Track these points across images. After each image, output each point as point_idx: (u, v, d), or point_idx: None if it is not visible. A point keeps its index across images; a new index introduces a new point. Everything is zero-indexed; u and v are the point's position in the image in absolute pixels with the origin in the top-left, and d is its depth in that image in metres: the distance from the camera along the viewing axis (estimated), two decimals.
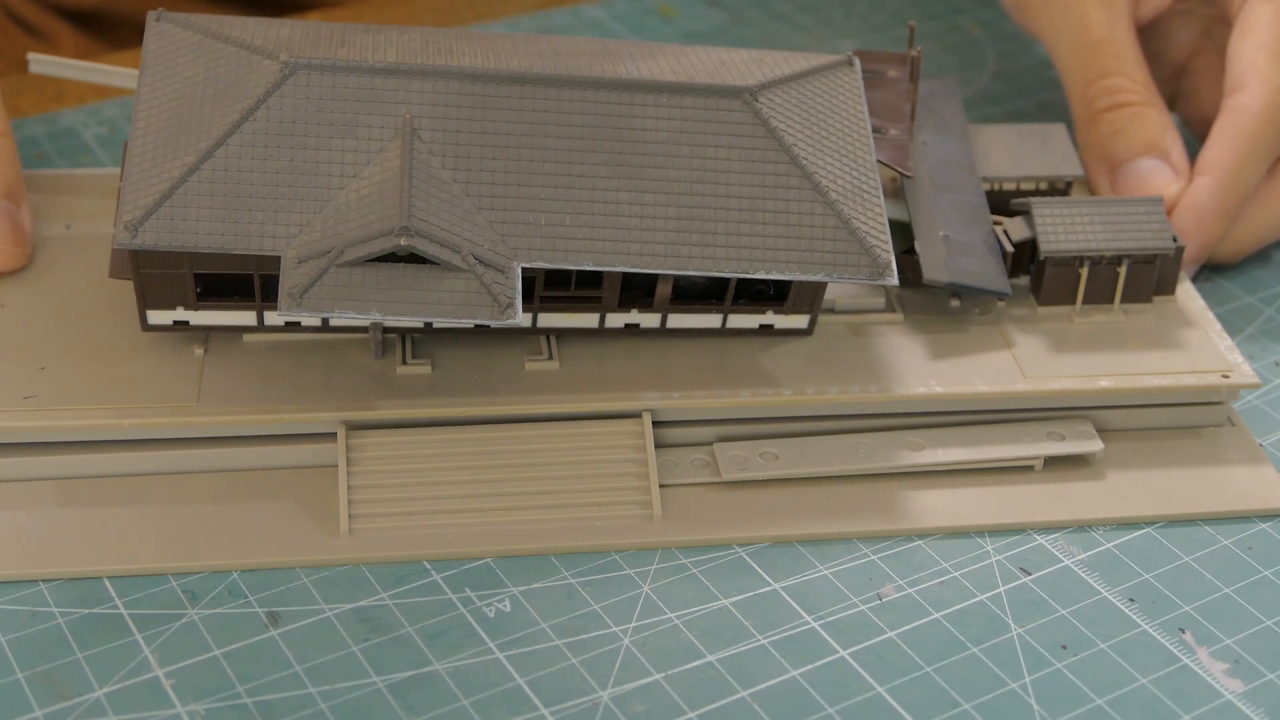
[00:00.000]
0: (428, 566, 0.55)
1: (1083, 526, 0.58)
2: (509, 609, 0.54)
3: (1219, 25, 0.72)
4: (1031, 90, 0.82)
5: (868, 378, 0.60)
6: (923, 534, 0.57)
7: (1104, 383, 0.60)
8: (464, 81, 0.57)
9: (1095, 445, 0.59)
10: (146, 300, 0.58)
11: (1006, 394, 0.60)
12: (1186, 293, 0.64)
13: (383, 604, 0.54)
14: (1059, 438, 0.60)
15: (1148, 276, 0.63)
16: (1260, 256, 0.71)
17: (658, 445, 0.59)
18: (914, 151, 0.65)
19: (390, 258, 0.54)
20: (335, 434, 0.57)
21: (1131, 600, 0.55)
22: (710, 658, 0.53)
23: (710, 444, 0.59)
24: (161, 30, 0.59)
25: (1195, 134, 0.74)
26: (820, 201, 0.57)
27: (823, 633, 0.54)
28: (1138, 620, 0.55)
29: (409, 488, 0.57)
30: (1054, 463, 0.60)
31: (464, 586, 0.55)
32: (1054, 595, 0.55)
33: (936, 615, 0.54)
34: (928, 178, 0.65)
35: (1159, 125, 0.67)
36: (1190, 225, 0.65)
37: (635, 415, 0.58)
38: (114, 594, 0.54)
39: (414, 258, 0.53)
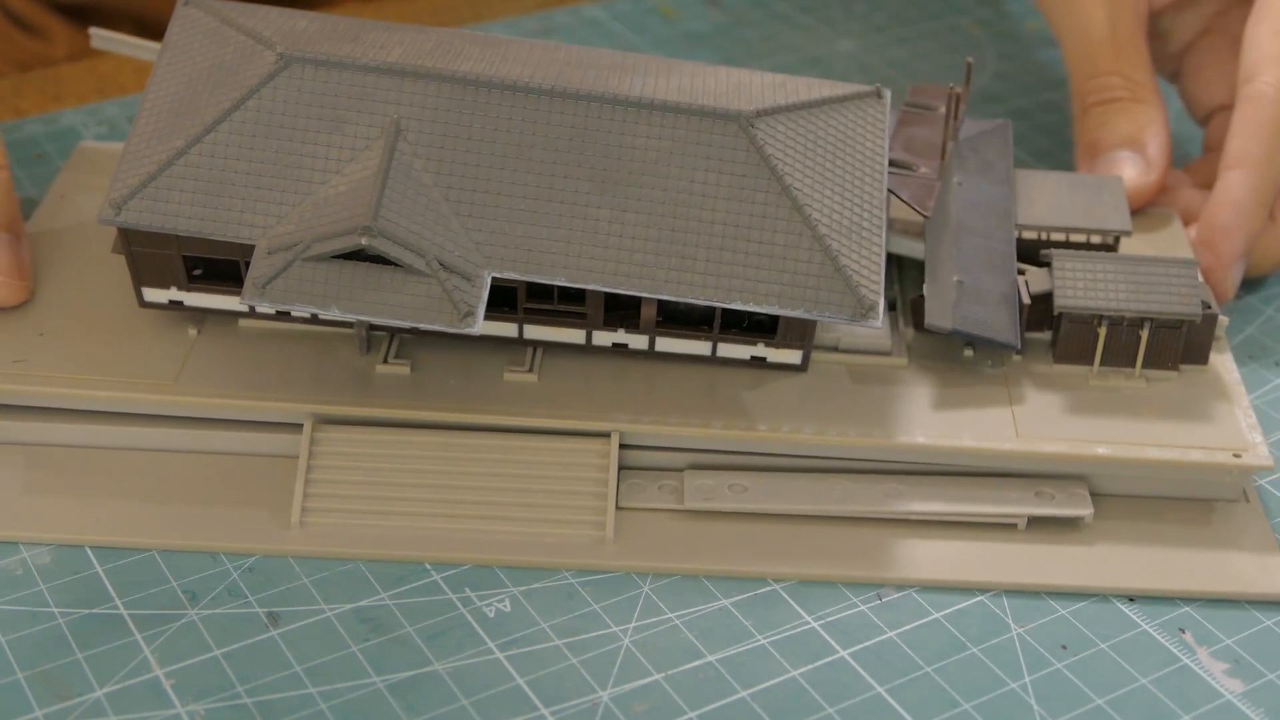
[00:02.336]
0: (428, 566, 0.55)
1: (1061, 594, 0.55)
2: (509, 609, 0.54)
3: (1235, 6, 0.72)
4: (1032, 90, 0.82)
5: (851, 421, 0.57)
6: (892, 584, 0.55)
7: (1101, 450, 0.57)
8: (455, 86, 0.56)
9: (1084, 509, 0.56)
10: (141, 278, 0.59)
11: (994, 452, 0.57)
12: (1222, 364, 0.61)
13: (383, 604, 0.54)
14: (1048, 498, 0.57)
15: (1173, 342, 0.59)
16: None
17: (634, 468, 0.58)
18: (948, 191, 0.63)
19: (357, 256, 0.53)
20: (303, 425, 0.58)
21: (1131, 600, 0.55)
22: (710, 658, 0.53)
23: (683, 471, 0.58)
24: (186, 15, 0.60)
25: (1192, 113, 0.74)
26: (808, 235, 0.55)
27: (823, 633, 0.54)
28: (1138, 620, 0.54)
29: (365, 486, 0.56)
30: (1043, 524, 0.57)
31: (464, 586, 0.55)
32: (1054, 595, 0.55)
33: (936, 615, 0.54)
34: (955, 220, 0.62)
35: (1143, 120, 0.68)
36: (1231, 220, 0.64)
37: (605, 435, 0.57)
38: (114, 594, 0.54)
39: (380, 258, 0.53)
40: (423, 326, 0.53)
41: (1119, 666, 0.53)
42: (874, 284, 0.56)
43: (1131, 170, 0.67)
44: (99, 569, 0.55)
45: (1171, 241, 0.66)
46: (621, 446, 0.57)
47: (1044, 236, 0.63)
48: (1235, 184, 0.64)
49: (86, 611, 0.53)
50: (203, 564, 0.55)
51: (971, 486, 0.57)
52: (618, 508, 0.57)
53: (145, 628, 0.53)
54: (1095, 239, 0.63)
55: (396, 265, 0.53)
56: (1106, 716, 0.51)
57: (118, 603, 0.53)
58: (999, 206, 0.63)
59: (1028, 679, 0.52)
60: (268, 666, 0.52)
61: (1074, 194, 0.65)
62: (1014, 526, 0.57)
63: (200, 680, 0.51)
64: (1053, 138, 0.78)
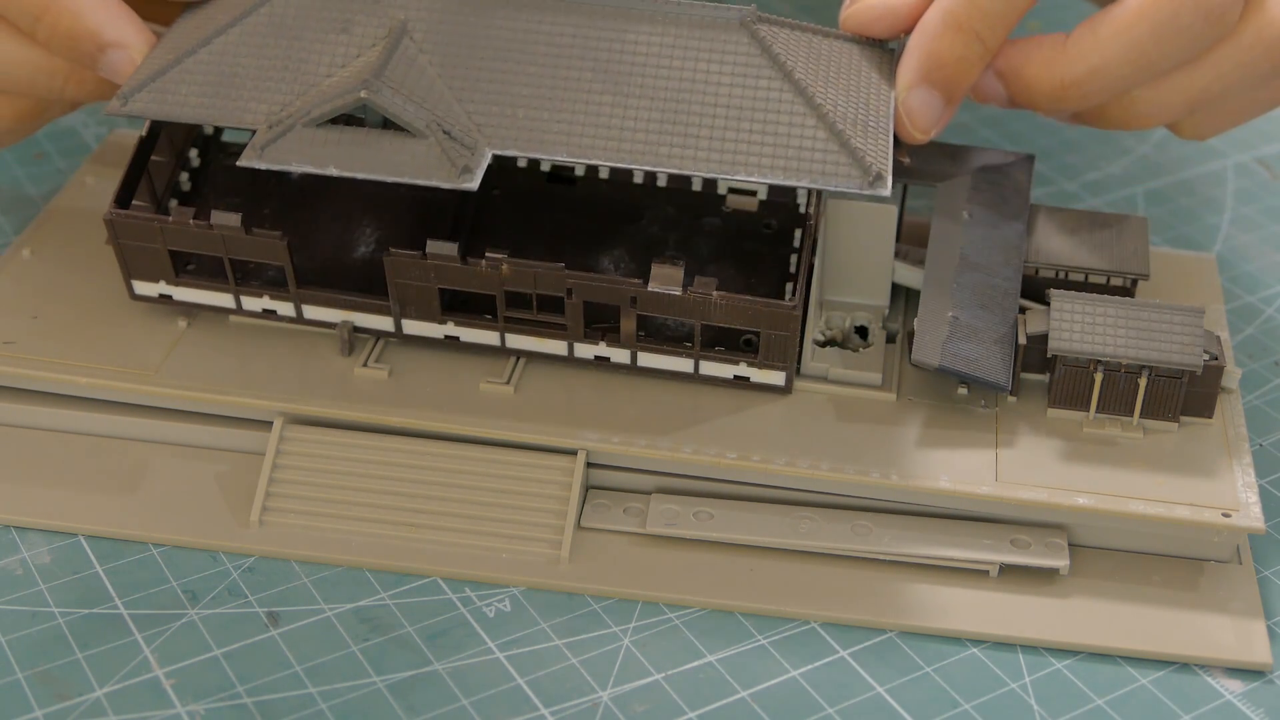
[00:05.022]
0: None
1: (1032, 647, 0.53)
2: (509, 609, 0.54)
3: None
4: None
5: (826, 454, 0.56)
6: (854, 624, 0.54)
7: (1082, 500, 0.54)
8: None
9: (1059, 561, 0.54)
10: (130, 270, 0.60)
11: (970, 495, 0.55)
12: (1229, 418, 0.58)
13: (383, 604, 0.54)
14: (1023, 545, 0.55)
15: (1173, 392, 0.57)
16: (1261, 255, 0.71)
17: (605, 488, 0.57)
18: (953, 225, 0.62)
19: (357, 122, 0.54)
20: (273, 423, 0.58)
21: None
22: (710, 658, 0.53)
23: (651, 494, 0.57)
24: None
25: None
26: (812, 115, 0.55)
27: (822, 633, 0.54)
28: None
29: (327, 489, 0.56)
30: (1017, 573, 0.55)
31: (464, 586, 0.55)
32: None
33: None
34: (958, 254, 0.60)
35: None
36: (913, 39, 0.59)
37: (572, 453, 0.56)
38: (114, 594, 0.54)
39: (380, 126, 0.54)
40: (417, 181, 0.53)
41: (1119, 667, 0.53)
42: (882, 158, 0.55)
43: None
44: (99, 569, 0.55)
45: (1206, 289, 0.65)
46: (591, 466, 0.57)
47: (1062, 275, 0.62)
48: (933, 5, 0.59)
49: (86, 611, 0.53)
50: (203, 564, 0.55)
51: (945, 529, 0.55)
52: (580, 528, 0.56)
53: (145, 628, 0.53)
54: (1115, 280, 0.61)
55: (395, 131, 0.54)
56: (1106, 717, 0.51)
57: (118, 603, 0.53)
58: (1009, 243, 0.61)
59: (1028, 679, 0.52)
60: (268, 666, 0.52)
61: (1094, 232, 0.63)
62: (986, 574, 0.55)
63: (200, 680, 0.51)
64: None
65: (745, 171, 0.55)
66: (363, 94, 0.53)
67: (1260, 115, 0.64)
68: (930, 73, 0.58)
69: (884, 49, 0.60)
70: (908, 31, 0.60)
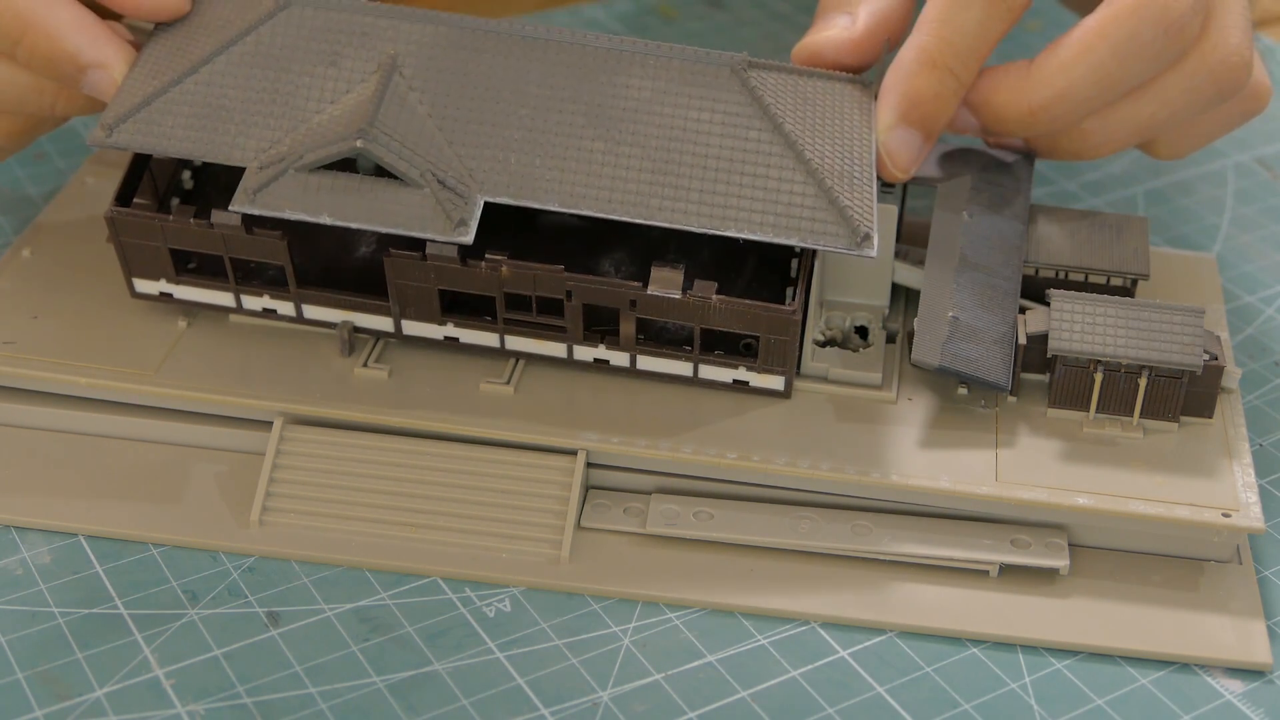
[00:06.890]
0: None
1: (1032, 647, 0.53)
2: (509, 609, 0.54)
3: None
4: None
5: (826, 454, 0.56)
6: (854, 624, 0.54)
7: (1082, 500, 0.54)
8: (453, 29, 0.57)
9: (1059, 561, 0.54)
10: (131, 269, 0.60)
11: (969, 495, 0.55)
12: (1228, 418, 0.58)
13: (383, 604, 0.54)
14: (1023, 545, 0.55)
15: (1173, 392, 0.57)
16: (1261, 255, 0.71)
17: (605, 488, 0.57)
18: (954, 225, 0.62)
19: (350, 167, 0.54)
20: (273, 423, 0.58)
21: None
22: (710, 658, 0.53)
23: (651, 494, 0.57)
24: None
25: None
26: (801, 170, 0.56)
27: (823, 633, 0.54)
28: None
29: (327, 489, 0.56)
30: (1018, 573, 0.55)
31: (464, 586, 0.55)
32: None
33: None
34: (958, 253, 0.60)
35: None
36: (889, 79, 0.60)
37: (572, 453, 0.56)
38: (114, 594, 0.54)
39: (372, 173, 0.54)
40: (410, 233, 0.53)
41: (1119, 666, 0.53)
42: (867, 217, 0.55)
43: (838, 24, 0.62)
44: (99, 569, 0.55)
45: (1206, 289, 0.65)
46: (591, 466, 0.57)
47: (1062, 275, 0.62)
48: (906, 44, 0.60)
49: (86, 611, 0.53)
50: (203, 564, 0.55)
51: (945, 529, 0.55)
52: (580, 528, 0.56)
53: (145, 628, 0.53)
54: (1115, 280, 0.61)
55: (389, 179, 0.54)
56: (1106, 717, 0.51)
57: (118, 603, 0.54)
58: (1009, 243, 0.61)
59: (1028, 679, 0.52)
60: (268, 666, 0.52)
61: (1093, 232, 0.63)
62: (986, 574, 0.55)
63: (200, 680, 0.51)
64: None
65: (735, 228, 0.55)
66: (359, 143, 0.53)
67: (1222, 136, 0.64)
68: (908, 112, 0.59)
69: (863, 84, 0.61)
70: (857, 65, 0.61)
